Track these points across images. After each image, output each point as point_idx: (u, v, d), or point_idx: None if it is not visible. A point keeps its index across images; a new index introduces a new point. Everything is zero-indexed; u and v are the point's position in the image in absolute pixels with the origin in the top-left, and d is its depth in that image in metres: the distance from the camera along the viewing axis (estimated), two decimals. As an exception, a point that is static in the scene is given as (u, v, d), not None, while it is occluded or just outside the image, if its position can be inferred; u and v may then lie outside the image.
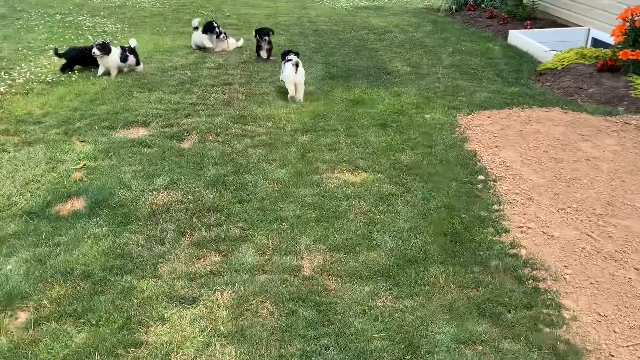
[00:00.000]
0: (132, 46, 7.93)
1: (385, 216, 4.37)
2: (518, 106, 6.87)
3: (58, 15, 11.81)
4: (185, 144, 5.65)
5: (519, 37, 10.20)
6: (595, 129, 6.11)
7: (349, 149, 5.62)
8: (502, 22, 11.99)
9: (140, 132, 5.89)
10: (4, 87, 7.00)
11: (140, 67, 8.04)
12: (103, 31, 10.68)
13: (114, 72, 7.75)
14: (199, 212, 4.33)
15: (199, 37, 9.44)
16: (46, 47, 9.19)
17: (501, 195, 4.75)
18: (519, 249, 4.00)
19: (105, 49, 7.47)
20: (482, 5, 13.55)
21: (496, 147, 5.71)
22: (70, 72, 7.83)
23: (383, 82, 7.90)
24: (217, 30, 9.26)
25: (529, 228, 4.24)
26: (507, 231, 4.20)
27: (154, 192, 4.60)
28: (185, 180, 4.84)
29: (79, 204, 4.43)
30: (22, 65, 8.04)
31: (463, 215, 4.41)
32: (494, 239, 4.12)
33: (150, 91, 7.23)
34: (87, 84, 7.33)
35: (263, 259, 3.80)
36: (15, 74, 7.55)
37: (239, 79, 7.88)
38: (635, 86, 7.17)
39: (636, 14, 7.78)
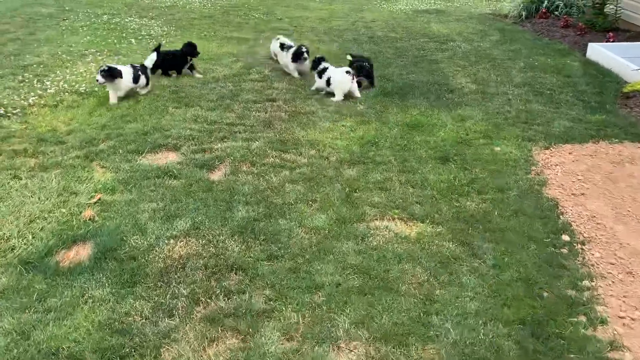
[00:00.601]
0: (147, 65, 7.02)
1: (446, 291, 3.51)
2: (605, 139, 5.82)
3: (105, 16, 11.48)
4: (216, 175, 4.96)
5: (600, 52, 9.00)
6: None
7: (402, 190, 4.78)
8: (579, 32, 10.74)
9: (168, 158, 5.25)
10: (34, 98, 6.56)
11: (147, 89, 6.97)
12: (148, 34, 10.24)
13: (120, 93, 6.64)
14: (220, 272, 3.62)
15: (283, 60, 8.13)
16: (86, 51, 8.78)
17: (592, 265, 3.80)
18: (622, 353, 3.07)
19: (112, 75, 6.38)
20: (556, 13, 12.29)
21: (582, 194, 4.72)
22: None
23: (445, 102, 6.98)
24: (304, 56, 7.75)
25: (632, 320, 3.29)
26: (604, 322, 3.26)
27: (171, 241, 3.92)
28: (210, 224, 4.14)
29: (84, 251, 3.81)
30: (57, 72, 7.62)
31: (546, 295, 3.50)
32: (587, 333, 3.20)
33: (187, 107, 6.62)
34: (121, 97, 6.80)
35: (290, 348, 3.04)
36: (48, 83, 7.12)
37: (284, 95, 7.15)
38: None
39: None
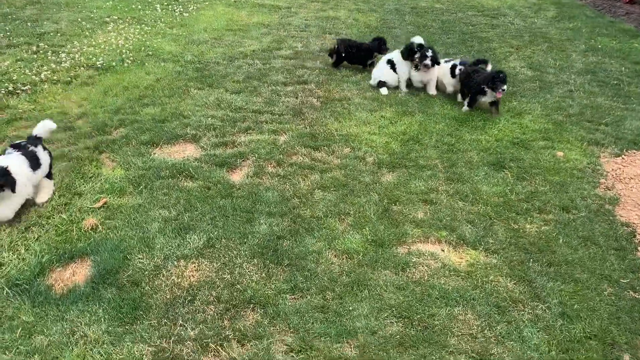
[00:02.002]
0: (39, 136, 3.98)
1: (504, 347, 2.91)
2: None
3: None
4: (237, 176, 4.39)
5: (674, 33, 7.99)
6: None
7: (450, 203, 4.13)
8: (647, 9, 9.65)
9: (186, 152, 4.70)
10: (46, 73, 6.03)
11: (44, 198, 3.88)
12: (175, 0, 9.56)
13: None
14: (235, 308, 3.08)
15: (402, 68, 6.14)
16: (108, 18, 8.19)
17: (684, 320, 3.13)
18: None
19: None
20: (621, -15, 11.08)
21: (664, 219, 4.00)
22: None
23: (497, 91, 6.19)
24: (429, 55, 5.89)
25: None
26: None
27: (182, 262, 3.39)
28: (227, 241, 3.59)
29: (81, 272, 3.31)
30: (75, 42, 7.07)
31: (627, 359, 2.86)
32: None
33: (210, 87, 6.02)
34: (140, 74, 6.23)
35: (314, 421, 2.50)
36: (63, 55, 6.59)
37: (317, 77, 6.47)
38: None
39: None
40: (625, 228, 3.90)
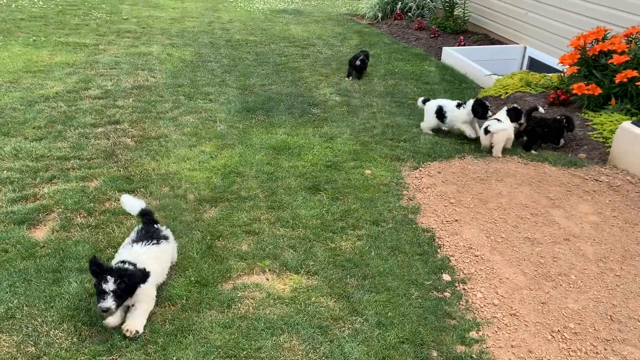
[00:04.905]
0: None
1: (328, 367, 3.03)
2: (470, 154, 5.78)
3: None
4: (40, 233, 3.99)
5: (453, 56, 9.25)
6: (564, 188, 5.14)
7: (272, 231, 4.23)
8: (432, 35, 11.06)
9: (-25, 212, 4.15)
10: None
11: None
12: (-44, 40, 8.50)
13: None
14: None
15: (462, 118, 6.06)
16: None
17: (477, 309, 3.57)
18: (518, 419, 2.82)
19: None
20: (409, 14, 12.57)
21: (456, 221, 4.55)
22: None
23: (310, 118, 6.55)
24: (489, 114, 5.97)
25: (525, 376, 3.08)
26: (497, 385, 3.01)
27: (-27, 342, 2.96)
28: (29, 309, 3.23)
29: None
30: None
31: (434, 354, 3.17)
32: (482, 399, 2.92)
33: (6, 136, 5.43)
34: None
35: None
36: None
37: (130, 115, 6.22)
38: (594, 126, 6.34)
39: (588, 42, 6.97)
40: (426, 233, 4.36)
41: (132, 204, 3.64)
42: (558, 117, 6.04)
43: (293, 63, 8.84)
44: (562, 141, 6.07)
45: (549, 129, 5.98)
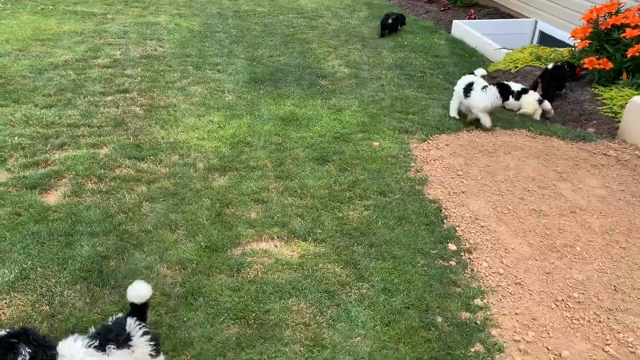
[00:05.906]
0: None
1: (335, 330, 3.10)
2: (479, 127, 5.77)
3: None
4: (52, 197, 4.05)
5: (463, 29, 9.13)
6: (572, 162, 5.14)
7: (280, 200, 4.27)
8: (442, 8, 10.90)
9: (-12, 177, 4.21)
10: None
11: None
12: (-36, 7, 8.47)
13: None
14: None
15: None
16: None
17: (482, 278, 3.62)
18: (520, 383, 2.89)
19: None
20: (420, -14, 12.34)
21: (463, 193, 4.58)
22: None
23: (319, 90, 6.53)
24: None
25: (527, 342, 3.14)
26: (500, 350, 3.07)
27: (-11, 300, 3.05)
28: (43, 270, 3.30)
29: None
30: None
31: (439, 320, 3.23)
32: (486, 364, 2.98)
33: (16, 103, 5.45)
34: None
35: None
36: None
37: (139, 84, 6.22)
38: (604, 101, 6.29)
39: (601, 16, 6.87)
40: (433, 204, 4.39)
41: (139, 290, 2.51)
42: (559, 64, 6.54)
43: (301, 34, 8.77)
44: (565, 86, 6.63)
45: (556, 79, 6.47)
